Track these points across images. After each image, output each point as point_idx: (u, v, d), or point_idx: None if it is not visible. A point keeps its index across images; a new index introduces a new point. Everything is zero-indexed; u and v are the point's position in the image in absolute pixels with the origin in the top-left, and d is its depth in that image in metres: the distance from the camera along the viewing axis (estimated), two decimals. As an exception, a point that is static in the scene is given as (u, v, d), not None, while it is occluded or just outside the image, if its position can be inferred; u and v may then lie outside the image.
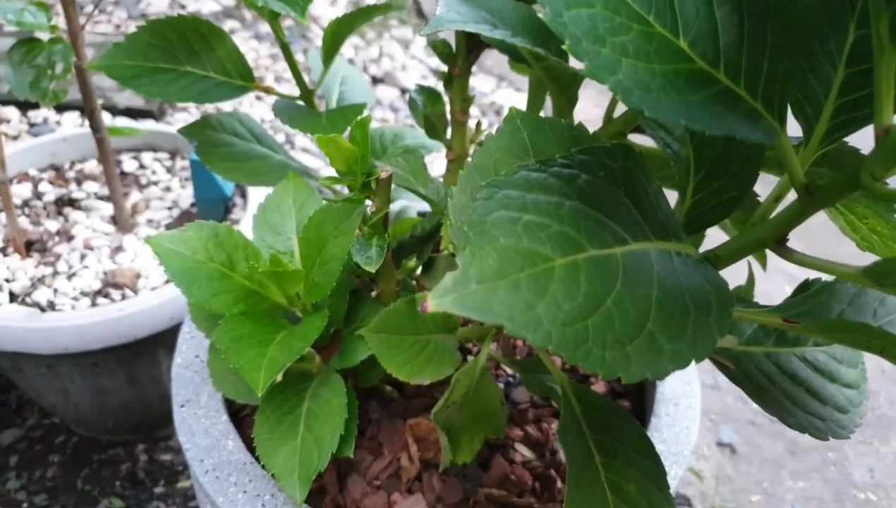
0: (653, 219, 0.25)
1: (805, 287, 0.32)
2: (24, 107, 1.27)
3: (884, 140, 0.22)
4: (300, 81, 0.46)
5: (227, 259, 0.38)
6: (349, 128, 0.42)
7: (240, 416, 0.48)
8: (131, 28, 1.72)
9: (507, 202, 0.23)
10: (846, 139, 0.27)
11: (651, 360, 0.21)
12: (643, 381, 0.55)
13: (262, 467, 0.40)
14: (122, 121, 1.35)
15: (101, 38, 1.60)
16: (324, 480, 0.44)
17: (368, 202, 0.40)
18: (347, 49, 1.80)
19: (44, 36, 0.63)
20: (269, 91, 0.47)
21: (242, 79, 0.45)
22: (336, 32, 0.46)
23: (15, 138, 1.15)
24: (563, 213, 0.23)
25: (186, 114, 1.41)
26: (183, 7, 1.84)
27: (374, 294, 0.43)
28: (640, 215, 0.25)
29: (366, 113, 0.47)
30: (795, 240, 0.27)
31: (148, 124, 1.26)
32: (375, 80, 1.71)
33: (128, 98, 1.39)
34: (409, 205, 0.59)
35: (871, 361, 1.11)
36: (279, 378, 0.43)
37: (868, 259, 0.28)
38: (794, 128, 0.26)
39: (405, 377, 0.39)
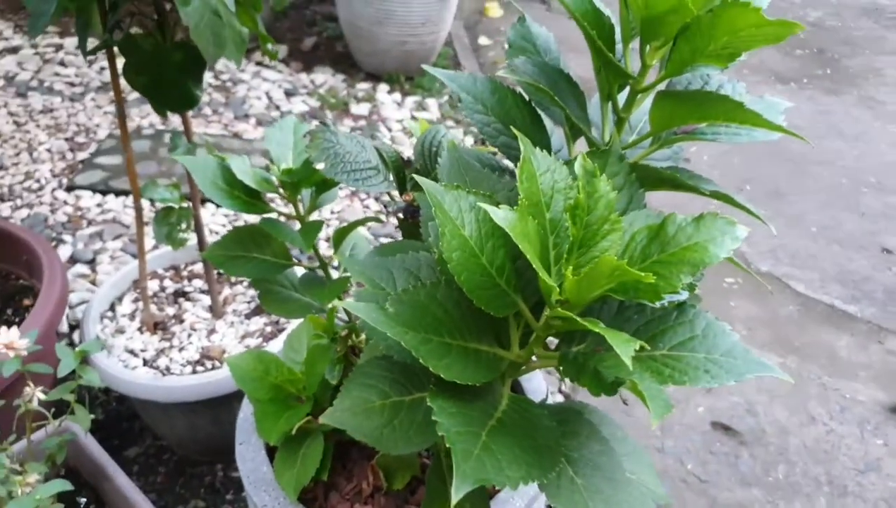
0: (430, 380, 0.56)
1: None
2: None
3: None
4: (321, 261, 0.80)
5: (265, 369, 0.72)
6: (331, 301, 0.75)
7: (272, 452, 0.82)
8: (238, 127, 2.16)
9: (364, 372, 0.55)
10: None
11: (406, 446, 0.52)
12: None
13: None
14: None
15: (213, 139, 2.04)
16: (315, 493, 0.76)
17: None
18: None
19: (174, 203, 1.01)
20: (300, 264, 0.81)
21: (286, 260, 0.80)
22: (341, 233, 0.81)
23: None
24: (385, 380, 0.55)
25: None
26: (278, 108, 2.28)
27: (345, 389, 0.76)
28: (425, 378, 0.56)
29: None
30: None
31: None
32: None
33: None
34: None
35: (800, 425, 1.32)
36: (293, 432, 0.77)
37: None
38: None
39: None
